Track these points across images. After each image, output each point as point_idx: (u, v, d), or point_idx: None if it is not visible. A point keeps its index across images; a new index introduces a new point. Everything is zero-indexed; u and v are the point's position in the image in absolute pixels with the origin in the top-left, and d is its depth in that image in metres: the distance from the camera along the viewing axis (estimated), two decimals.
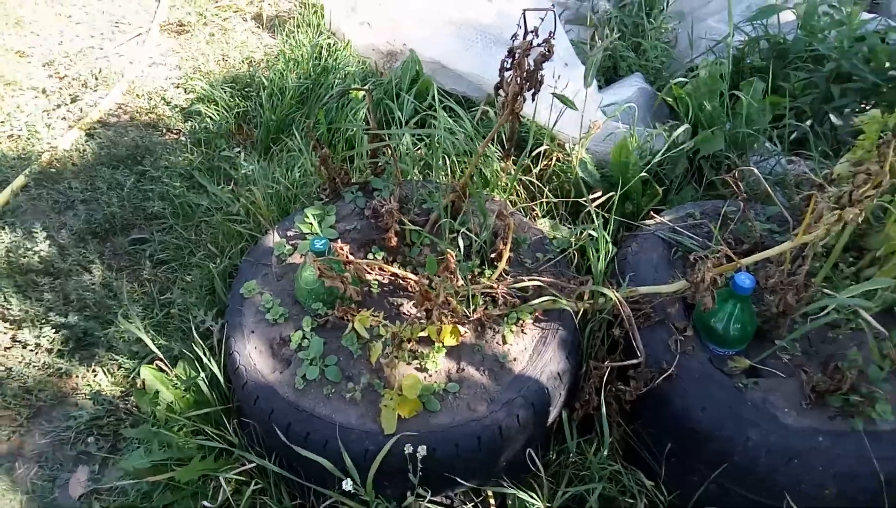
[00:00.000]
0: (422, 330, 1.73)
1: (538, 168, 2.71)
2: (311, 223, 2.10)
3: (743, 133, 2.74)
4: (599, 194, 2.36)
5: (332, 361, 1.81)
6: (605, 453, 1.89)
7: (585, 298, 1.87)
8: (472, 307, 1.92)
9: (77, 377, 2.28)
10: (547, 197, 2.56)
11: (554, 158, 2.77)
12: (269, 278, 2.05)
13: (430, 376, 1.81)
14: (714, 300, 1.80)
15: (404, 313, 1.99)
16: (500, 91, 1.92)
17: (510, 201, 2.64)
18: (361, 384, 1.77)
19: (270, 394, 1.77)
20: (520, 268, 2.11)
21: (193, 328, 2.25)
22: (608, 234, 2.16)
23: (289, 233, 2.17)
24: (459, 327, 1.80)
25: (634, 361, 1.79)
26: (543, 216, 2.51)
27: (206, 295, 2.44)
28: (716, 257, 1.80)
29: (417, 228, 2.12)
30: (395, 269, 1.97)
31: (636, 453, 1.99)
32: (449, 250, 1.88)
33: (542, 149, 2.67)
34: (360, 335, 1.77)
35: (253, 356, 1.85)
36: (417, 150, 2.73)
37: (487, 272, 2.05)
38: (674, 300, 1.96)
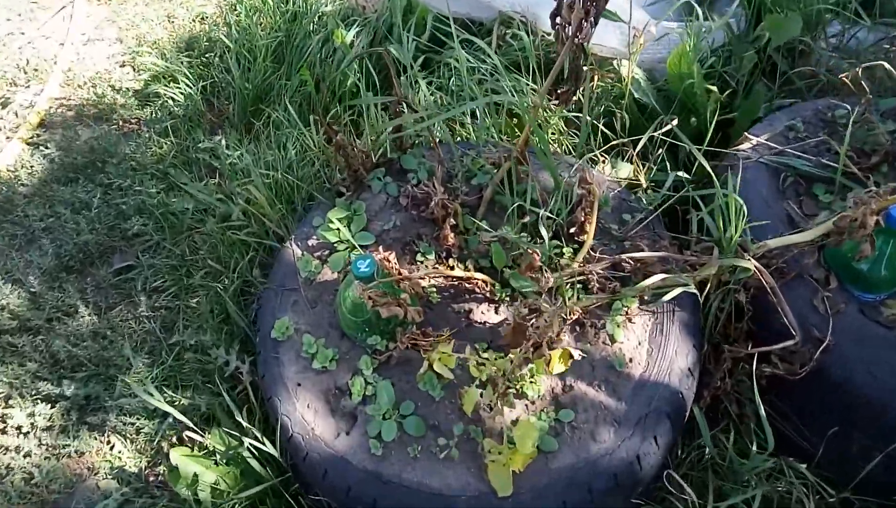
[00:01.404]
0: (526, 366, 1.33)
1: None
2: (337, 229, 1.65)
3: (817, 10, 2.26)
4: (674, 120, 1.91)
5: (409, 409, 1.42)
6: (755, 448, 1.54)
7: (712, 271, 1.47)
8: (561, 302, 1.52)
9: (90, 454, 1.90)
10: (601, 132, 2.10)
11: (596, 81, 2.28)
12: (300, 306, 1.63)
13: (533, 403, 1.43)
14: (873, 246, 1.41)
15: (476, 322, 1.58)
16: (558, 17, 1.45)
17: (560, 149, 2.18)
18: (455, 435, 1.38)
19: (342, 466, 1.39)
20: (606, 238, 1.69)
21: (217, 375, 1.85)
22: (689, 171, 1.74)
23: (310, 242, 1.73)
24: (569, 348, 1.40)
25: (789, 343, 1.41)
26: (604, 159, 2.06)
27: (219, 324, 2.02)
28: (873, 194, 1.39)
29: (480, 223, 1.68)
30: (459, 272, 1.55)
31: (780, 436, 1.65)
32: (531, 249, 1.46)
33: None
34: (441, 375, 1.37)
35: (308, 419, 1.46)
36: (432, 96, 2.24)
37: (567, 251, 1.64)
38: (813, 249, 1.56)
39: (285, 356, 1.55)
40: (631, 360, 1.49)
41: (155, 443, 1.91)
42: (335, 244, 1.67)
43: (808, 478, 1.53)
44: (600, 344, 1.51)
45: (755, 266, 1.39)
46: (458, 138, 2.14)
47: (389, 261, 1.51)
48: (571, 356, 1.31)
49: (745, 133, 1.86)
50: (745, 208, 1.50)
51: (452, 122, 2.24)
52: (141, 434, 1.93)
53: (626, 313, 1.55)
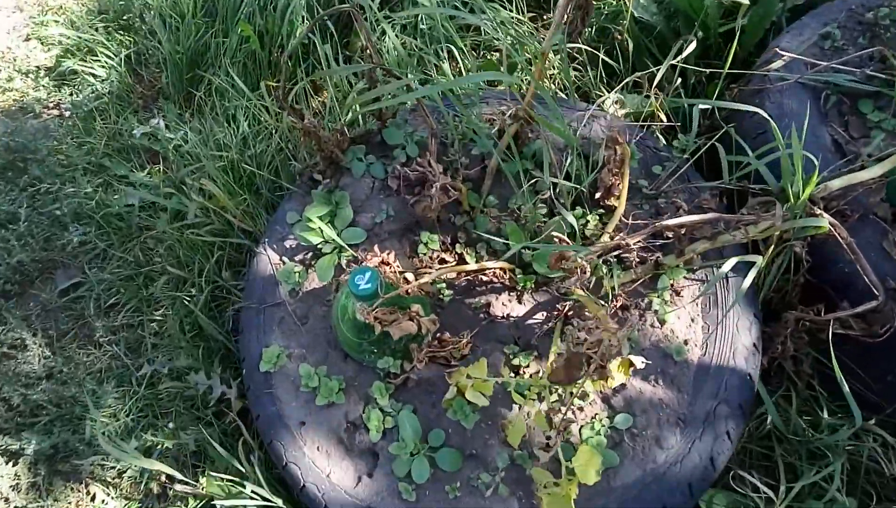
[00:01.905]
0: (579, 386, 1.10)
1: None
2: (319, 229, 1.37)
3: None
4: (692, 44, 1.63)
5: (440, 440, 1.20)
6: (826, 416, 1.36)
7: (776, 232, 1.23)
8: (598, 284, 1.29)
9: None
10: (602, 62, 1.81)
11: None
12: (288, 325, 1.37)
13: (581, 410, 1.21)
14: None
15: (499, 317, 1.35)
16: None
17: (555, 85, 1.89)
18: (499, 467, 1.17)
19: None
20: (635, 197, 1.44)
21: (200, 402, 1.60)
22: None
23: (288, 245, 1.44)
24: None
25: (871, 304, 1.20)
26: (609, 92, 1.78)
27: (192, 339, 1.75)
28: None
29: (487, 199, 1.41)
30: (472, 265, 1.30)
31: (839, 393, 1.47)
32: (555, 234, 1.20)
33: None
34: (472, 401, 1.13)
35: (320, 464, 1.23)
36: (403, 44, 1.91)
37: (592, 219, 1.39)
38: (878, 184, 1.33)
39: (281, 391, 1.30)
40: (686, 343, 1.27)
41: (143, 486, 1.67)
42: (319, 246, 1.39)
43: (888, 440, 1.36)
44: (648, 328, 1.29)
45: (831, 223, 1.16)
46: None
47: (389, 264, 1.25)
48: (632, 365, 1.09)
49: (775, 48, 1.59)
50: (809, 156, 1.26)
51: (427, 67, 1.92)
52: (124, 478, 1.68)
53: (672, 286, 1.32)
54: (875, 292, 1.19)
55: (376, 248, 1.27)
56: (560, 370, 0.97)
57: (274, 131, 1.93)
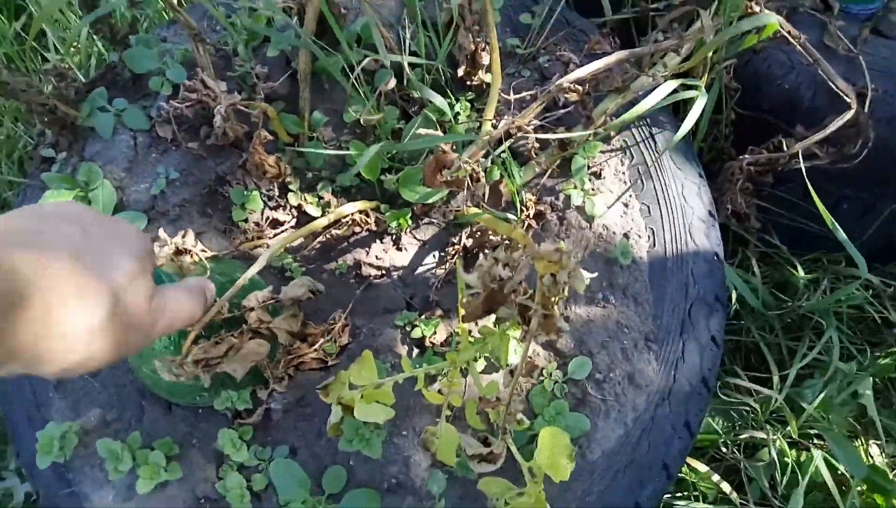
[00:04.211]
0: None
1: None
2: None
3: None
4: None
5: (339, 482, 0.81)
6: (802, 274, 1.10)
7: (706, 53, 0.89)
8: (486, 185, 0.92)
9: None
10: None
11: None
12: (69, 385, 0.90)
13: (527, 374, 0.85)
14: None
15: (375, 278, 0.95)
16: None
17: None
18: (434, 490, 0.80)
19: None
20: (509, 64, 1.05)
21: None
22: None
23: None
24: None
25: (846, 117, 0.91)
26: None
27: None
28: None
29: (312, 118, 0.96)
30: (321, 219, 0.88)
31: (796, 237, 1.22)
32: (422, 130, 0.80)
33: None
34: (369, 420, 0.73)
35: None
36: None
37: (462, 107, 1.00)
38: None
39: (88, 486, 0.85)
40: (628, 237, 0.94)
41: None
42: None
43: (874, 282, 1.13)
44: (575, 232, 0.94)
45: (781, 23, 0.84)
46: None
47: (189, 251, 0.80)
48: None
49: None
50: None
51: None
52: None
53: (590, 168, 0.97)
54: (846, 98, 0.90)
55: (162, 232, 0.82)
56: (478, 306, 0.60)
57: (0, 116, 1.37)
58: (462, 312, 0.84)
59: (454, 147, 0.87)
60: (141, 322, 0.49)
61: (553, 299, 0.61)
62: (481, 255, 0.91)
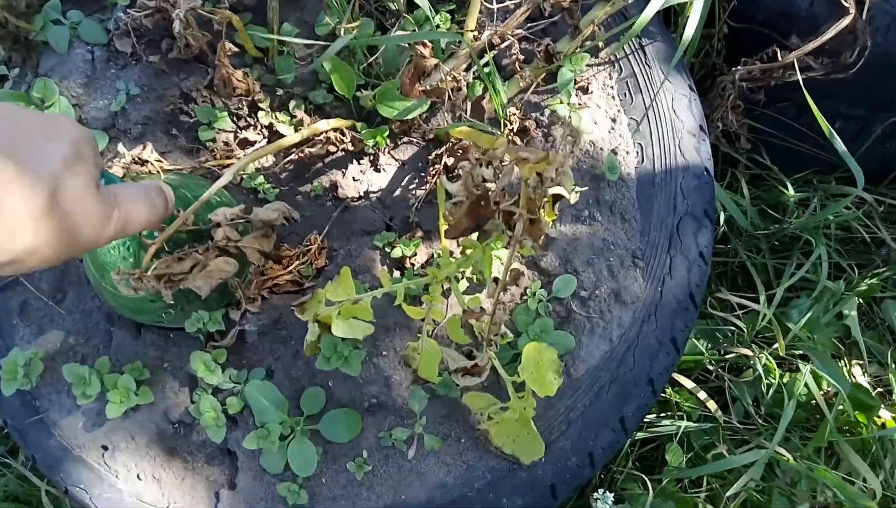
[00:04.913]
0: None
1: None
2: None
3: None
4: None
5: (318, 403, 0.79)
6: (792, 192, 1.08)
7: None
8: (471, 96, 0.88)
9: None
10: None
11: None
12: (34, 310, 0.86)
13: (504, 289, 0.83)
14: None
15: (353, 200, 0.92)
16: None
17: None
18: (416, 408, 0.78)
19: None
20: None
21: None
22: None
23: None
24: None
25: (843, 24, 0.87)
26: None
27: None
28: None
29: (281, 27, 0.90)
30: (293, 136, 0.83)
31: (789, 157, 1.19)
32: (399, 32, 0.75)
33: None
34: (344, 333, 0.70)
35: (151, 497, 0.79)
36: None
37: (441, 18, 0.94)
38: None
39: (56, 413, 0.82)
40: (615, 152, 0.90)
41: None
42: None
43: (867, 199, 1.10)
44: (562, 148, 0.90)
45: None
46: None
47: (147, 161, 0.75)
48: (557, 200, 0.69)
49: None
50: None
51: None
52: None
53: (577, 82, 0.93)
54: (845, 3, 0.85)
55: (120, 147, 0.77)
56: (462, 218, 0.57)
57: None
58: (445, 226, 0.81)
59: (433, 55, 0.82)
60: (88, 212, 0.45)
61: (539, 201, 0.58)
62: (465, 161, 0.87)
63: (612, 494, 0.89)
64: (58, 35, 0.88)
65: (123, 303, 0.76)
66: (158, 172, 0.72)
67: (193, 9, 0.77)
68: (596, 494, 0.89)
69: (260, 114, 0.92)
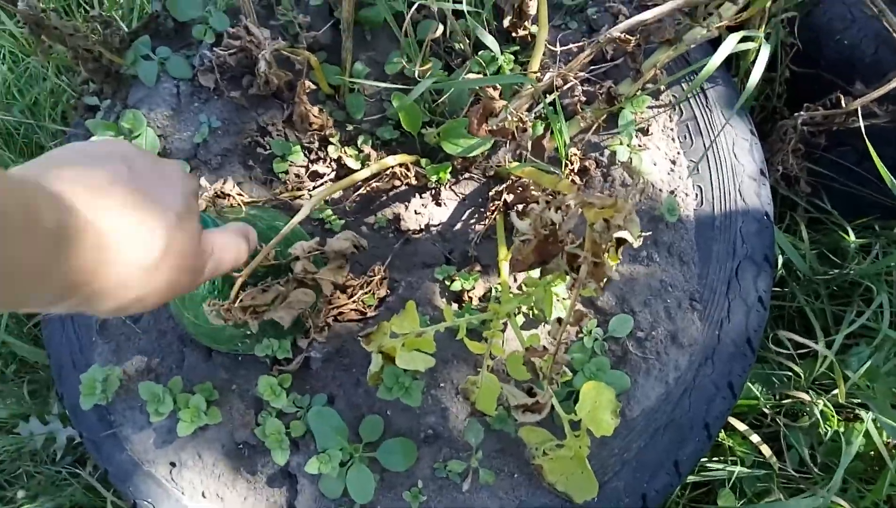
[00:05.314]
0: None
1: None
2: None
3: None
4: None
5: (376, 431, 0.81)
6: (853, 238, 1.07)
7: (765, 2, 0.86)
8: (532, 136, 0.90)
9: None
10: None
11: None
12: (113, 331, 0.91)
13: (559, 324, 0.84)
14: None
15: (414, 232, 0.95)
16: None
17: None
18: (472, 442, 0.80)
19: None
20: (557, 15, 1.03)
21: (48, 460, 1.16)
22: None
23: None
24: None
25: None
26: None
27: (14, 375, 1.27)
28: None
29: (354, 68, 0.95)
30: (363, 172, 0.86)
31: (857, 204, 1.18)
32: (471, 76, 0.78)
33: None
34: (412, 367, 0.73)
35: None
36: None
37: (506, 59, 0.97)
38: None
39: (128, 429, 0.87)
40: (674, 194, 0.91)
41: None
42: None
43: None
44: (619, 189, 0.92)
45: None
46: None
47: (228, 195, 0.80)
48: (622, 244, 0.70)
49: None
50: None
51: None
52: None
53: (637, 124, 0.94)
54: None
55: (203, 180, 0.82)
56: (529, 255, 0.59)
57: (46, 64, 1.38)
58: (506, 260, 0.83)
59: (501, 97, 0.85)
60: (192, 263, 0.49)
61: (603, 245, 0.59)
62: (534, 204, 0.89)
63: None
64: (147, 70, 0.94)
65: (203, 331, 0.80)
66: (240, 204, 0.77)
67: (277, 49, 0.82)
68: None
69: (330, 148, 0.96)
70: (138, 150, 0.49)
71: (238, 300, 0.69)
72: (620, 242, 0.67)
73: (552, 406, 0.71)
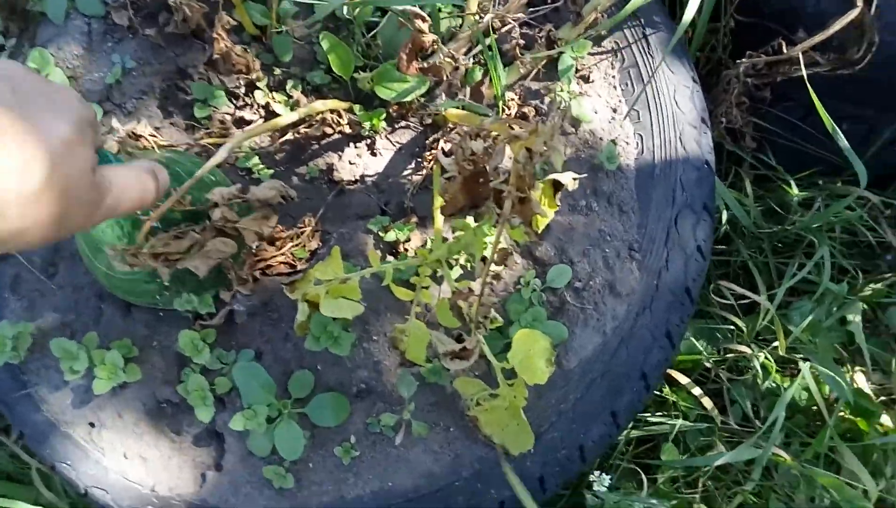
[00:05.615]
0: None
1: None
2: None
3: None
4: None
5: (307, 386, 0.78)
6: (796, 191, 1.06)
7: None
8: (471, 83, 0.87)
9: None
10: None
11: None
12: (26, 286, 0.86)
13: (498, 278, 0.82)
14: None
15: (349, 183, 0.90)
16: None
17: None
18: (405, 394, 0.77)
19: None
20: None
21: None
22: None
23: None
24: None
25: (850, 16, 0.85)
26: None
27: None
28: None
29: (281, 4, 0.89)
30: (290, 115, 0.82)
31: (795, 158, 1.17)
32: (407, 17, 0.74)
33: None
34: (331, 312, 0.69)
35: (135, 476, 0.79)
36: None
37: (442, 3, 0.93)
38: None
39: (44, 388, 0.82)
40: (615, 142, 0.89)
41: None
42: None
43: (873, 200, 1.09)
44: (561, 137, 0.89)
45: None
46: None
47: (141, 136, 0.75)
48: (558, 187, 0.67)
49: None
50: None
51: None
52: None
53: (578, 70, 0.91)
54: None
55: (115, 121, 0.76)
56: (457, 195, 0.56)
57: None
58: (440, 204, 0.80)
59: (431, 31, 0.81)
60: (82, 195, 0.44)
61: (528, 178, 0.56)
62: (456, 134, 0.86)
63: (609, 476, 0.88)
64: (55, 6, 0.87)
65: (117, 284, 0.75)
66: (153, 147, 0.72)
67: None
68: (592, 476, 0.88)
69: (257, 93, 0.91)
70: (27, 71, 0.44)
71: (148, 246, 0.65)
72: (557, 186, 0.65)
73: (483, 354, 0.69)
